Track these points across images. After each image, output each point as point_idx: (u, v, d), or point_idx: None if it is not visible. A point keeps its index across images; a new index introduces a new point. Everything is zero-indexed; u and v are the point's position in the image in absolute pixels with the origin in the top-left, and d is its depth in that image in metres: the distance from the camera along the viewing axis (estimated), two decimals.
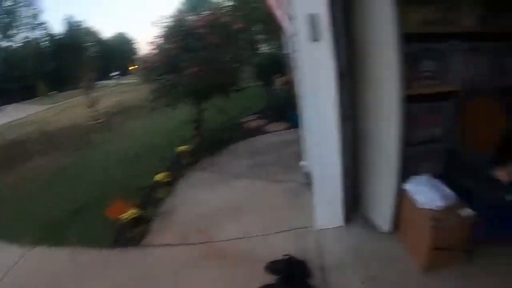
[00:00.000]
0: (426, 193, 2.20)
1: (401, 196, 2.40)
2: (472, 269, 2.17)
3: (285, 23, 2.90)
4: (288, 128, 5.28)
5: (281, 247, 2.45)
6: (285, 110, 5.61)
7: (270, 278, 2.17)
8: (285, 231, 2.68)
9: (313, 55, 2.19)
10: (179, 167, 4.12)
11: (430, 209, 2.16)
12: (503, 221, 2.35)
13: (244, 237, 2.65)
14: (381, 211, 2.59)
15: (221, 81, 4.62)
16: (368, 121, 2.50)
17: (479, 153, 2.33)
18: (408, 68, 2.29)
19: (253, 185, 3.50)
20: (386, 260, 2.33)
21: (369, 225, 2.67)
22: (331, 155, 2.45)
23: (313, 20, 2.11)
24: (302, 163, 3.66)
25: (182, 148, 4.23)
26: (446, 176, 2.62)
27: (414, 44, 2.22)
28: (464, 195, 2.42)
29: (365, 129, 2.56)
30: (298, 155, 4.04)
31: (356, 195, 2.89)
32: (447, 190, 2.27)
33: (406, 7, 2.14)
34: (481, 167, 2.28)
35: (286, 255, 2.25)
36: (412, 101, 2.32)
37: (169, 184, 3.67)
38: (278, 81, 6.27)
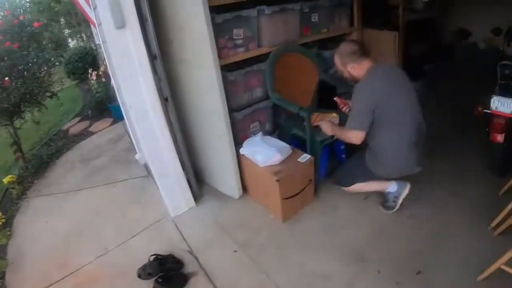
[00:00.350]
0: (263, 152, 2.37)
1: (241, 161, 2.55)
2: (320, 204, 2.55)
3: (89, 13, 2.61)
4: (113, 123, 4.97)
5: (145, 248, 2.33)
6: (105, 105, 5.28)
7: (147, 284, 2.10)
8: (143, 230, 2.55)
9: (121, 42, 2.02)
10: (11, 202, 3.46)
11: (271, 165, 2.35)
12: (330, 157, 2.78)
13: (106, 253, 2.44)
14: (227, 180, 2.70)
15: (30, 90, 3.96)
16: (193, 97, 2.53)
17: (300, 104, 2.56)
18: (222, 37, 2.38)
19: (95, 195, 3.18)
20: (248, 223, 2.47)
21: (221, 197, 2.77)
22: (161, 140, 2.37)
23: (115, 6, 1.94)
24: (137, 156, 3.53)
25: (7, 179, 3.51)
26: (277, 130, 2.90)
27: (223, 14, 2.29)
28: (297, 142, 2.73)
29: (192, 106, 2.59)
30: (131, 149, 3.89)
31: (200, 171, 2.95)
32: (281, 143, 2.50)
33: None
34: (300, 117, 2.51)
35: (152, 255, 2.18)
36: (230, 69, 2.45)
37: (5, 226, 3.04)
38: (93, 76, 5.72)
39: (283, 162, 2.38)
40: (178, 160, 2.50)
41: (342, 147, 2.78)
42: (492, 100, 2.59)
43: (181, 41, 2.32)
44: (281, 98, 2.55)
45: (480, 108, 2.71)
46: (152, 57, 2.22)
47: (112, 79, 3.07)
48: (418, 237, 2.22)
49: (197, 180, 2.83)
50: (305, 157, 2.41)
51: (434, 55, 4.81)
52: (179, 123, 2.49)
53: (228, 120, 2.36)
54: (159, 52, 2.23)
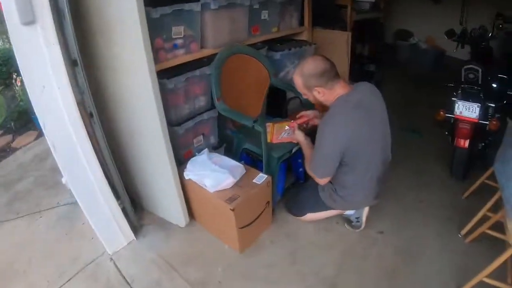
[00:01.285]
0: (212, 176, 2.03)
1: (187, 185, 2.18)
2: (280, 227, 2.31)
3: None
4: (39, 137, 4.28)
5: None
6: (29, 116, 4.55)
7: None
8: (78, 273, 2.07)
9: (30, 43, 1.56)
10: None
11: (223, 190, 2.03)
12: (287, 172, 2.53)
13: None
14: (171, 207, 2.32)
15: None
16: (125, 111, 2.10)
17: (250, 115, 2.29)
18: (158, 37, 1.99)
19: (18, 229, 2.61)
20: (200, 257, 2.14)
21: (165, 226, 2.38)
22: (85, 164, 1.92)
23: None
24: (63, 179, 2.98)
25: None
26: (224, 143, 2.58)
27: (161, 8, 1.90)
28: (249, 158, 2.44)
29: (124, 122, 2.16)
30: (58, 169, 3.31)
31: (138, 197, 2.53)
32: (232, 162, 2.18)
33: None
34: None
35: None
36: (169, 75, 2.06)
37: None
38: (18, 81, 4.96)
39: (236, 184, 2.07)
40: (109, 187, 2.05)
41: (300, 160, 2.53)
42: (456, 105, 2.60)
43: (108, 42, 1.87)
44: (230, 109, 2.22)
45: (442, 113, 2.69)
46: (71, 63, 1.75)
47: None
48: (390, 253, 2.13)
49: (136, 207, 2.42)
50: (261, 178, 2.11)
51: (379, 56, 4.83)
52: (108, 142, 2.04)
53: (168, 137, 1.97)
54: (81, 56, 1.79)
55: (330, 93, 1.84)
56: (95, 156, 1.95)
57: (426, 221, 2.35)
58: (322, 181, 1.97)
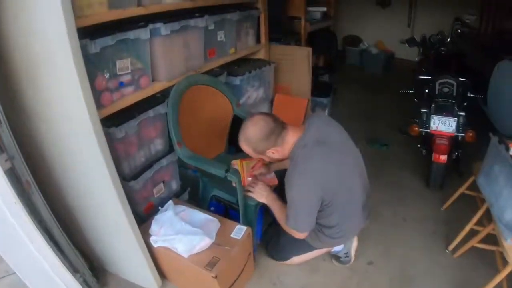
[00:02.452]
0: (184, 239, 1.71)
1: (155, 250, 1.85)
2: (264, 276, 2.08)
3: None
4: None
5: None
6: None
7: None
8: None
9: None
10: None
11: (200, 252, 1.73)
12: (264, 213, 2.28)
13: None
14: (138, 269, 1.95)
15: None
16: (69, 171, 1.72)
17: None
18: (100, 75, 1.66)
19: None
20: None
21: None
22: (30, 243, 1.52)
23: None
24: None
25: None
26: (187, 187, 2.32)
27: (100, 40, 1.57)
28: (219, 205, 2.17)
29: (70, 184, 1.78)
30: None
31: (98, 258, 2.13)
32: (203, 216, 1.87)
33: None
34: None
35: None
36: (116, 122, 1.73)
37: None
38: None
39: (214, 244, 1.77)
40: (62, 263, 1.67)
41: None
42: (432, 120, 2.56)
43: (38, 87, 1.51)
44: (194, 155, 1.92)
45: (416, 128, 2.66)
46: None
47: None
48: (384, 283, 2.04)
49: (97, 270, 2.06)
50: (240, 231, 1.84)
51: (333, 65, 4.77)
52: (55, 206, 1.68)
53: (124, 197, 1.62)
54: (2, 111, 1.41)
55: (284, 147, 1.70)
56: (40, 233, 1.57)
57: (411, 239, 2.31)
58: (301, 235, 1.77)
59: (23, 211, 1.48)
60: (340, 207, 1.74)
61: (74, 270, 1.78)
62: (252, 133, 1.67)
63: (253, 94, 2.74)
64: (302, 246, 1.94)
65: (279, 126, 1.67)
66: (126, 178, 1.85)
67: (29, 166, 1.56)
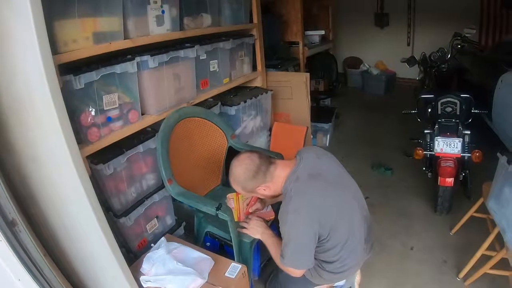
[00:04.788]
0: (175, 280, 1.63)
1: None
2: None
3: None
4: None
5: None
6: None
7: None
8: None
9: None
10: None
11: None
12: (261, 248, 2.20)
13: None
14: None
15: None
16: (56, 211, 1.67)
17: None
18: (86, 110, 1.63)
19: None
20: None
21: None
22: (16, 282, 1.51)
23: None
24: None
25: None
26: (182, 222, 2.25)
27: (85, 75, 1.55)
28: (214, 241, 2.09)
29: (59, 223, 1.73)
30: None
31: None
32: (196, 254, 1.79)
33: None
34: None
35: None
36: (104, 158, 1.69)
37: None
38: None
39: (206, 281, 1.69)
40: None
41: (275, 232, 2.22)
42: (436, 142, 2.49)
43: (23, 126, 1.48)
44: (185, 191, 1.86)
45: (420, 151, 2.60)
46: None
47: None
48: None
49: None
50: (235, 269, 1.75)
51: (333, 88, 4.75)
52: (48, 247, 1.63)
53: (111, 237, 1.57)
54: None
55: (275, 182, 1.64)
56: (27, 271, 1.50)
57: (420, 270, 2.23)
58: (298, 273, 1.68)
59: (8, 249, 1.42)
60: (340, 242, 1.65)
61: None
62: (238, 173, 1.65)
63: (250, 123, 2.70)
64: (302, 283, 1.83)
65: (265, 162, 1.63)
66: (117, 214, 1.80)
67: (20, 206, 1.53)
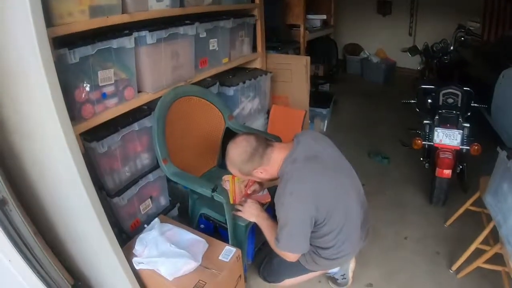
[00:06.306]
0: (167, 263, 1.60)
1: (140, 271, 1.72)
2: None
3: None
4: None
5: None
6: None
7: None
8: None
9: None
10: None
11: (185, 275, 1.61)
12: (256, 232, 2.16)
13: None
14: None
15: None
16: (48, 188, 1.61)
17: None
18: (80, 86, 1.56)
19: None
20: None
21: None
22: (9, 264, 1.45)
23: None
24: None
25: None
26: (176, 202, 2.20)
27: (80, 49, 1.47)
28: (209, 223, 2.04)
29: (50, 201, 1.67)
30: None
31: (84, 277, 2.02)
32: (189, 236, 1.75)
33: None
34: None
35: None
36: (98, 136, 1.63)
37: None
38: None
39: (201, 266, 1.65)
40: (40, 280, 1.54)
41: (271, 215, 2.17)
42: (435, 133, 2.44)
43: (16, 101, 1.41)
44: (180, 171, 1.81)
45: (419, 141, 2.55)
46: None
47: None
48: None
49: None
50: (229, 252, 1.71)
51: (333, 74, 4.67)
52: (39, 225, 1.59)
53: (104, 217, 1.51)
54: None
55: (272, 165, 1.61)
56: (18, 251, 1.46)
57: (414, 260, 2.21)
58: (293, 257, 1.65)
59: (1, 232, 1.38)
60: (336, 227, 1.62)
61: None
62: (234, 155, 1.61)
63: (248, 105, 2.64)
64: (296, 268, 1.81)
65: (262, 144, 1.59)
66: (110, 194, 1.75)
67: (11, 184, 1.47)
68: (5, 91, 1.41)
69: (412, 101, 3.21)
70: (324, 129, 3.64)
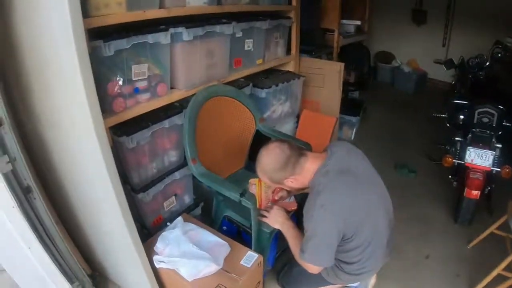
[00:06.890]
0: (188, 264, 1.54)
1: (159, 270, 1.68)
2: None
3: None
4: None
5: None
6: None
7: None
8: None
9: None
10: None
11: (205, 277, 1.55)
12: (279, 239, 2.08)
13: None
14: (140, 285, 1.74)
15: None
16: (74, 180, 1.58)
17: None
18: (113, 79, 1.53)
19: None
20: None
21: None
22: (28, 250, 1.42)
23: None
24: None
25: None
26: (200, 202, 2.15)
27: (116, 42, 1.44)
28: (232, 226, 1.98)
29: (74, 194, 1.65)
30: None
31: (101, 267, 1.99)
32: (212, 238, 1.70)
33: None
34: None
35: None
36: (128, 131, 1.59)
37: None
38: None
39: (222, 270, 1.60)
40: (60, 272, 1.57)
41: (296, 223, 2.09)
42: (467, 152, 2.31)
43: (46, 90, 1.39)
44: (209, 173, 1.77)
45: (449, 159, 2.44)
46: None
47: None
48: None
49: (99, 279, 1.92)
50: (251, 258, 1.66)
51: (364, 81, 4.54)
52: (62, 215, 1.60)
53: (128, 212, 1.47)
54: (7, 113, 1.28)
55: (304, 175, 1.55)
56: (38, 239, 1.46)
57: (433, 280, 2.12)
58: (316, 270, 1.57)
59: (21, 215, 1.36)
60: (363, 243, 1.54)
61: (72, 278, 1.67)
62: (266, 163, 1.55)
63: (278, 108, 2.57)
64: (316, 279, 1.73)
65: (295, 153, 1.52)
66: (135, 189, 1.72)
67: (37, 172, 1.45)
68: (37, 80, 1.40)
69: (443, 115, 3.07)
70: (352, 137, 3.53)
